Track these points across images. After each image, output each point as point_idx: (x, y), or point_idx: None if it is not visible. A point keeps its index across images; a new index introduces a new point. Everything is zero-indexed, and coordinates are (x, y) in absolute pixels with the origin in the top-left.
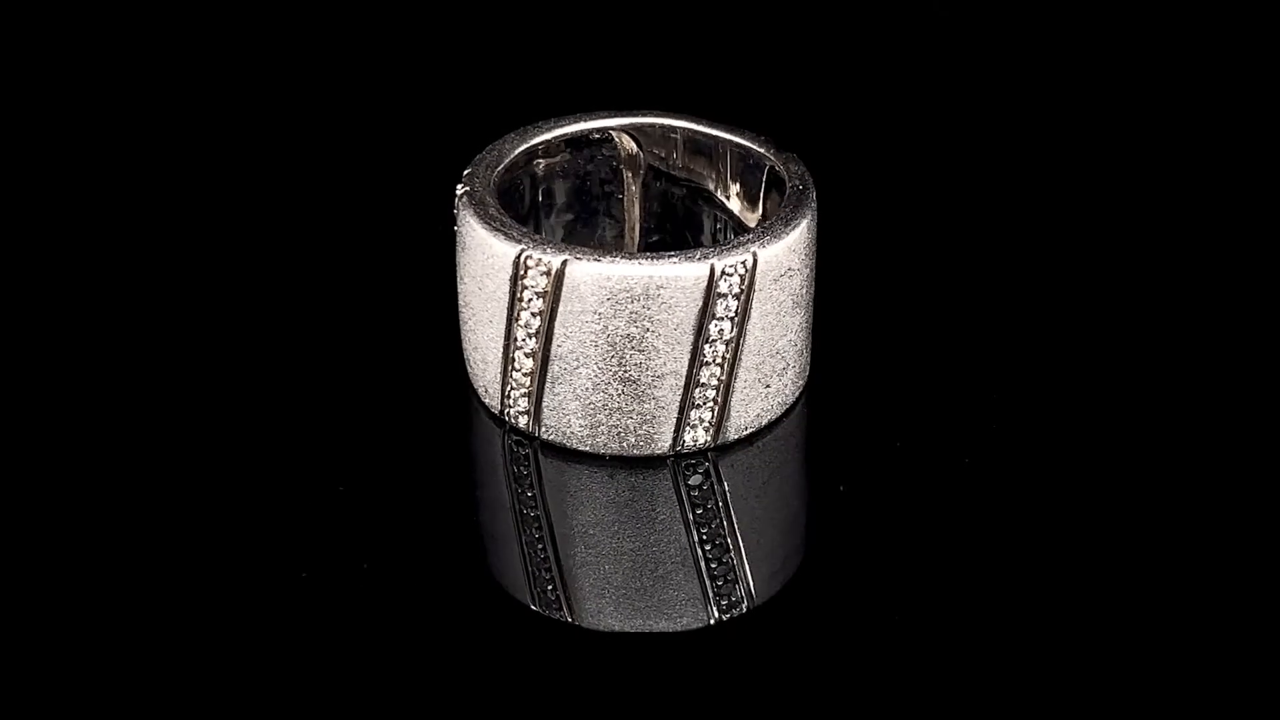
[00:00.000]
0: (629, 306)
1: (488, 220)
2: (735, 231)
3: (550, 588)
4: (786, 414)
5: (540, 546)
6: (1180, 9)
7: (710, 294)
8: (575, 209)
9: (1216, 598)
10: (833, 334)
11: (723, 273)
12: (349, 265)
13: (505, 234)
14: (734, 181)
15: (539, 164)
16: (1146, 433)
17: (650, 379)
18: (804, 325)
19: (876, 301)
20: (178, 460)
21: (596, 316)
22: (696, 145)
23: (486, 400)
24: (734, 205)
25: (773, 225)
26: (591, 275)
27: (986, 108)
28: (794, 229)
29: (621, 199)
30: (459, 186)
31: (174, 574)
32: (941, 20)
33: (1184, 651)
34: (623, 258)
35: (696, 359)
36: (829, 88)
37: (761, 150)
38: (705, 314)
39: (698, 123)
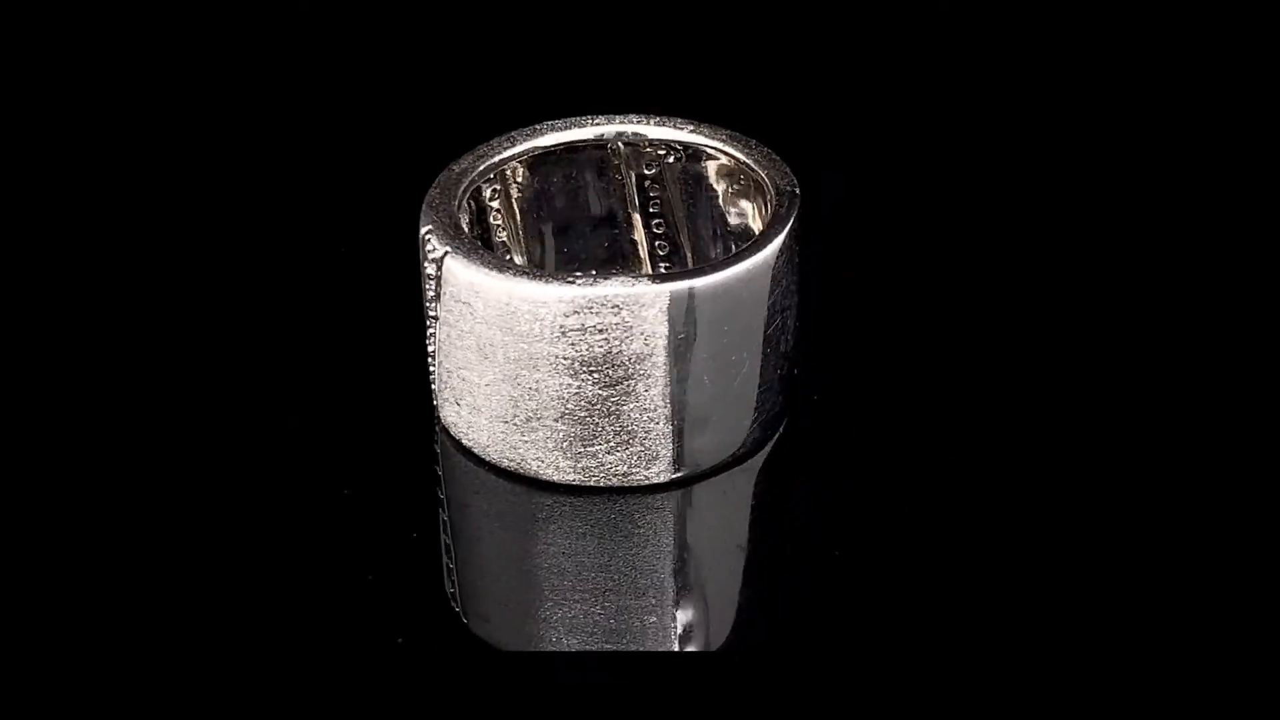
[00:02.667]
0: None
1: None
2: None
3: None
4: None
5: None
6: (1180, 9)
7: (422, 262)
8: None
9: (1220, 620)
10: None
11: (426, 252)
12: (318, 272)
13: None
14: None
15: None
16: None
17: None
18: (507, 396)
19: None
20: (144, 459)
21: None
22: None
23: None
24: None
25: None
26: None
27: (986, 110)
28: (507, 275)
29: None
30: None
31: (127, 593)
32: (942, 14)
33: (1191, 676)
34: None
35: (427, 319)
36: (826, 87)
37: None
38: (426, 282)
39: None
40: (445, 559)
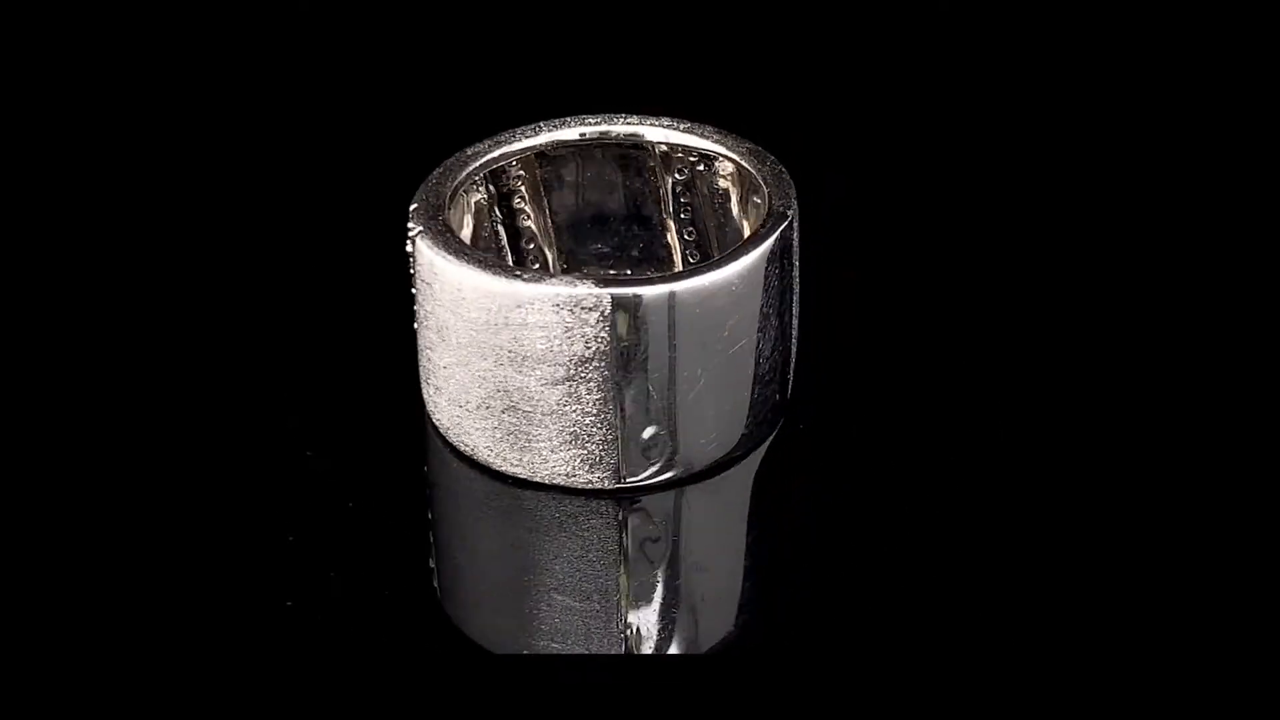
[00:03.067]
0: None
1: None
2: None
3: None
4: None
5: None
6: (1180, 9)
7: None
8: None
9: (1220, 620)
10: None
11: (407, 229)
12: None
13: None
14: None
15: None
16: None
17: None
18: (459, 381)
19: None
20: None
21: None
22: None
23: None
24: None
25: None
26: None
27: (986, 110)
28: (461, 262)
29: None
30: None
31: (111, 585)
32: (942, 14)
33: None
34: None
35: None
36: (827, 88)
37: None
38: (409, 259)
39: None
40: (430, 535)
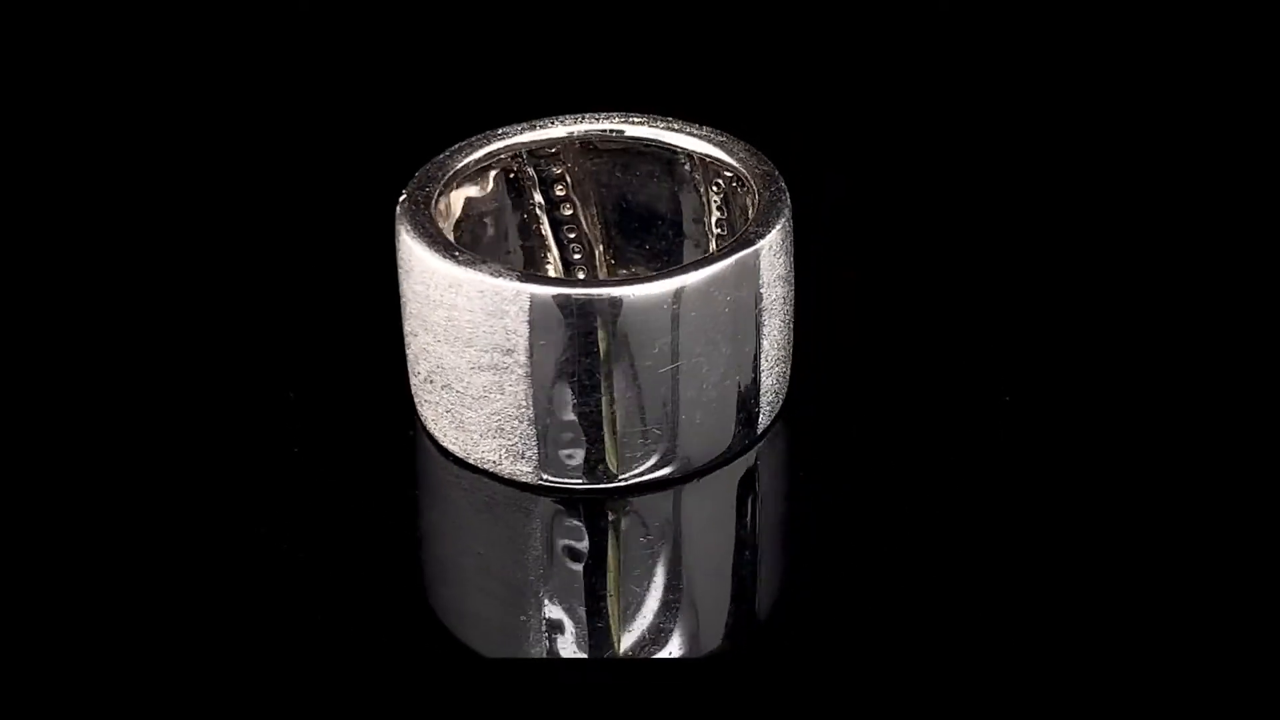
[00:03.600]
0: None
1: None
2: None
3: None
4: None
5: None
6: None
7: None
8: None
9: (1220, 620)
10: None
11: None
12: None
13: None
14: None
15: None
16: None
17: None
18: (412, 351)
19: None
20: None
21: None
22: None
23: None
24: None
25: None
26: None
27: (986, 110)
28: (412, 235)
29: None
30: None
31: (96, 584)
32: (942, 14)
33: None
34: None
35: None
36: (827, 88)
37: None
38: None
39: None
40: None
